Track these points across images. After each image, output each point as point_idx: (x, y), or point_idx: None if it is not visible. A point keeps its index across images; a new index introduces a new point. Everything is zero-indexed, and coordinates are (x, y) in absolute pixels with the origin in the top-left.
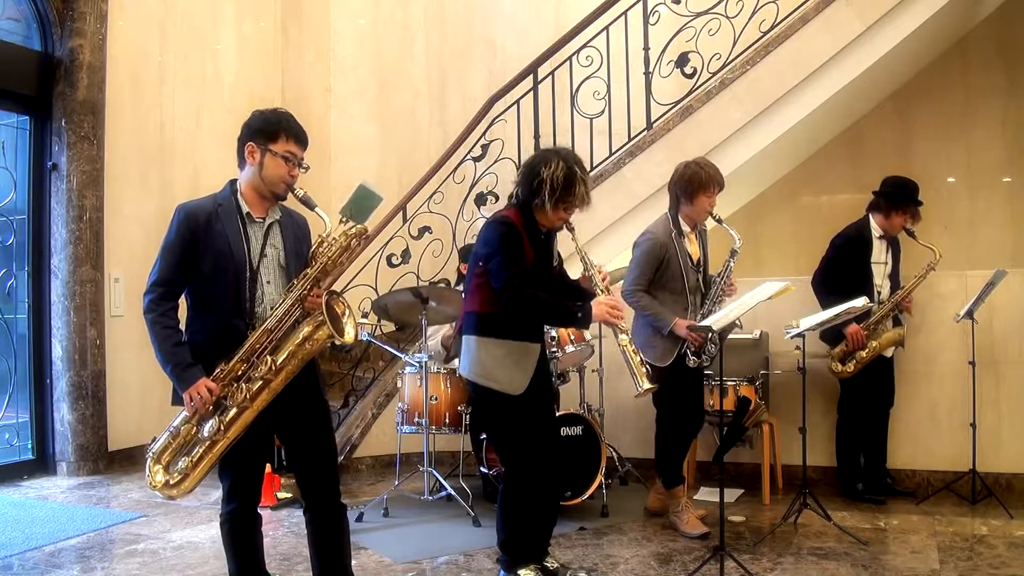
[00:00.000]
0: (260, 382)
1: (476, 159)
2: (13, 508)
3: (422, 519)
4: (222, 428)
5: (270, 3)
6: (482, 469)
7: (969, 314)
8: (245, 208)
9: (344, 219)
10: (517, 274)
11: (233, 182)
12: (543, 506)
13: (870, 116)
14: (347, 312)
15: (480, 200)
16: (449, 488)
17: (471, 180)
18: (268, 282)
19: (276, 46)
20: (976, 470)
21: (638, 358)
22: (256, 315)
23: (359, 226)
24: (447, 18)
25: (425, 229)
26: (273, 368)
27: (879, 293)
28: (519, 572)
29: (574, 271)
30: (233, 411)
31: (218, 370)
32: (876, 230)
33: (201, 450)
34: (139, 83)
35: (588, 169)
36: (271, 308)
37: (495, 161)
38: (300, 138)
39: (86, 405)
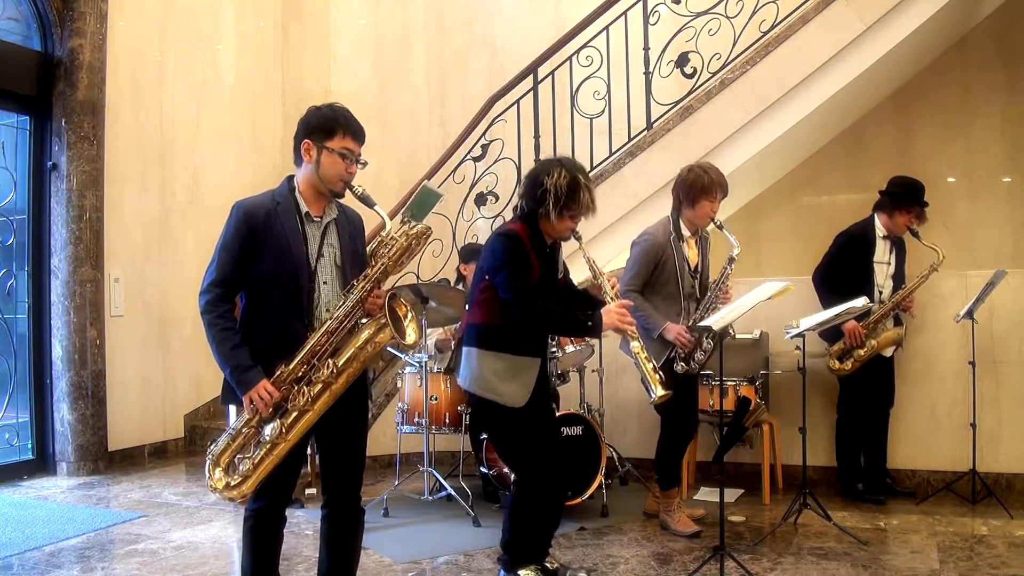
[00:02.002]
0: (321, 385)
1: (476, 159)
2: (13, 508)
3: (422, 519)
4: (283, 431)
5: (270, 3)
6: (482, 469)
7: (969, 314)
8: (304, 207)
9: (406, 219)
10: (525, 286)
11: (290, 179)
12: (548, 508)
13: (870, 116)
14: (409, 314)
15: (480, 200)
16: (449, 488)
17: (471, 180)
18: (325, 282)
19: (276, 46)
20: (976, 470)
21: (651, 365)
22: (314, 316)
23: (421, 226)
24: (447, 18)
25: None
26: (334, 371)
27: (880, 293)
28: (519, 572)
29: (577, 274)
30: (295, 414)
31: (279, 372)
32: (880, 230)
33: (262, 453)
34: (139, 83)
35: (588, 169)
36: (327, 309)
37: (495, 161)
38: (358, 134)
39: (86, 405)
